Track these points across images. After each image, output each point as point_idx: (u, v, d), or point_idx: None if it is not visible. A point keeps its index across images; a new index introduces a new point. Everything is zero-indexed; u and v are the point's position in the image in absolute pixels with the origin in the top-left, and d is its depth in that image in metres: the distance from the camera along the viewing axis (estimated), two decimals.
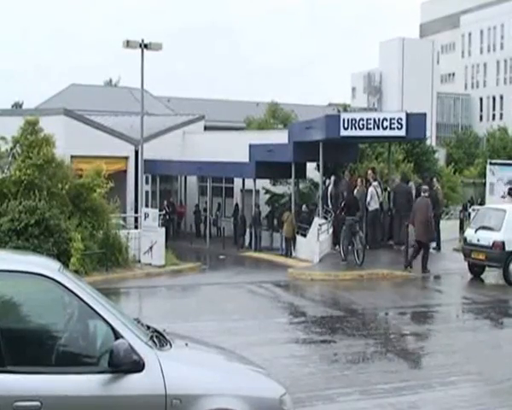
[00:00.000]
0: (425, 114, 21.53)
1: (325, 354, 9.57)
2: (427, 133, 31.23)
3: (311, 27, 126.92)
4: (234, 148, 28.78)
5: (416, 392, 7.81)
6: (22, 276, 4.49)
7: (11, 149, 18.80)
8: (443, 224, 22.35)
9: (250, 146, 26.71)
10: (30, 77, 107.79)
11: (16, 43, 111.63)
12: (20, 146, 18.69)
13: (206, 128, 37.18)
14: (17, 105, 57.78)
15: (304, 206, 25.04)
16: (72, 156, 23.83)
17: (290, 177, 25.30)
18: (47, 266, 4.71)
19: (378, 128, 20.06)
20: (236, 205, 30.08)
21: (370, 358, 9.37)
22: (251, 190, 28.31)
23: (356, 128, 20.19)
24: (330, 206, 22.24)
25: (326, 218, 21.86)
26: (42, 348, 4.47)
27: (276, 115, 43.28)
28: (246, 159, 26.86)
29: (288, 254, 23.58)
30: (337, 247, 20.09)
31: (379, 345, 10.07)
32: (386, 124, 19.98)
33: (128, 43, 23.98)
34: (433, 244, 21.14)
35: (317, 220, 21.39)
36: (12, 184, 17.97)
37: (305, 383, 7.99)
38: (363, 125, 20.16)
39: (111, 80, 71.08)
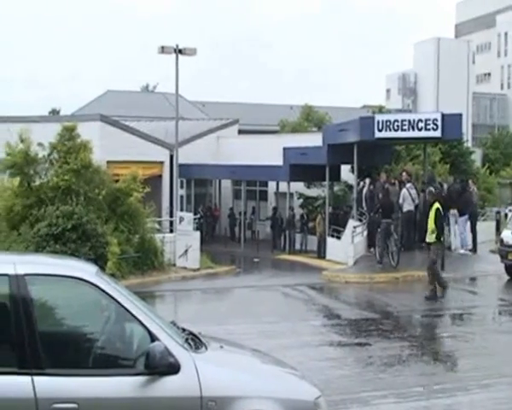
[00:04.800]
0: (461, 115, 21.29)
1: (360, 357, 9.54)
2: (464, 137, 30.85)
3: (344, 29, 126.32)
4: (268, 151, 28.83)
5: (452, 395, 7.73)
6: (60, 280, 4.56)
7: (48, 154, 19.12)
8: (479, 225, 22.06)
9: (284, 149, 26.74)
10: (68, 84, 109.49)
11: (54, 52, 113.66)
12: (58, 152, 19.01)
13: (240, 132, 37.31)
14: (54, 112, 58.71)
15: (345, 207, 25.11)
16: (108, 162, 24.15)
17: (324, 179, 25.24)
18: (85, 269, 4.76)
19: (413, 129, 19.90)
20: (274, 208, 30.13)
21: (406, 360, 9.31)
22: (285, 193, 28.32)
23: (390, 130, 20.06)
24: (365, 208, 22.14)
25: (361, 220, 21.77)
26: (79, 351, 4.54)
27: (310, 118, 43.23)
28: (280, 162, 26.90)
29: (319, 255, 23.87)
30: (372, 249, 19.97)
31: (414, 348, 9.99)
32: (421, 125, 19.82)
33: (163, 49, 24.24)
34: (469, 246, 20.90)
35: (351, 223, 21.32)
36: (49, 190, 18.30)
37: (339, 385, 7.98)
38: (397, 126, 20.02)
39: (148, 86, 71.72)
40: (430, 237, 14.15)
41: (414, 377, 8.42)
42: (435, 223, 14.00)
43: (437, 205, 14.19)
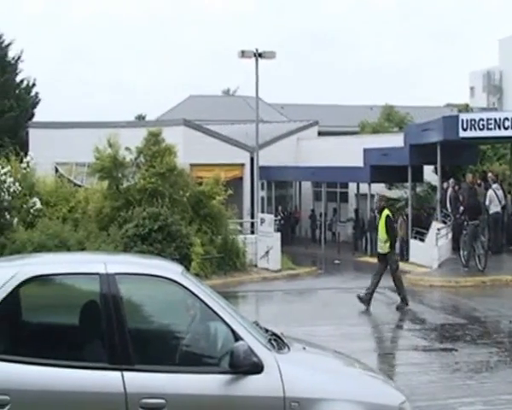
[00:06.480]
0: None
1: (446, 363, 9.31)
2: None
3: (424, 26, 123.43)
4: (348, 152, 28.62)
5: None
6: (148, 279, 4.68)
7: (135, 158, 19.75)
8: None
9: (365, 150, 26.48)
10: (153, 90, 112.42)
11: (142, 59, 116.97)
12: (144, 156, 19.61)
13: (319, 133, 37.20)
14: (140, 117, 60.33)
15: (428, 208, 24.69)
16: (191, 164, 24.66)
17: (406, 180, 24.81)
18: (171, 269, 4.86)
19: (499, 128, 19.29)
20: (356, 210, 29.89)
21: (494, 367, 9.02)
22: (366, 195, 28.03)
23: (475, 129, 19.51)
24: (449, 209, 21.60)
25: (445, 222, 21.25)
26: (167, 348, 4.64)
27: (391, 118, 42.44)
28: (360, 163, 26.65)
29: (401, 258, 23.50)
30: (461, 251, 19.42)
31: (503, 354, 9.66)
32: (507, 124, 19.19)
33: (243, 53, 24.60)
34: None
35: (435, 224, 20.85)
36: (137, 192, 18.89)
37: (424, 391, 7.81)
38: (483, 125, 19.45)
39: (228, 90, 72.58)
40: (383, 248, 13.39)
41: (502, 384, 8.14)
42: (387, 232, 13.22)
43: (387, 212, 13.53)
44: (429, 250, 19.87)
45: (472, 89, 72.54)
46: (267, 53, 24.83)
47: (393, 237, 13.59)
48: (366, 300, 13.45)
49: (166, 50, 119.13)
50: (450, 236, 20.56)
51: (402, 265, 21.81)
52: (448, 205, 21.75)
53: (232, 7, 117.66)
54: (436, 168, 22.77)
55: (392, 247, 13.42)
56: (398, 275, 13.66)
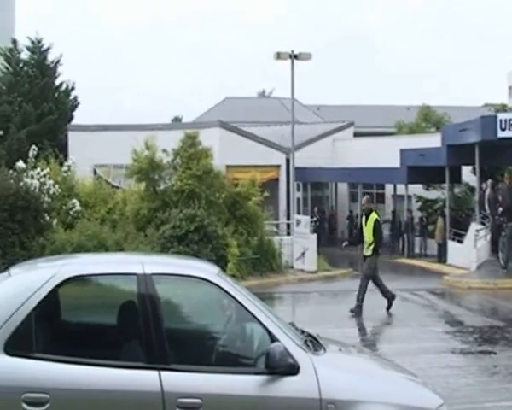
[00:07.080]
0: None
1: (484, 366, 9.18)
2: None
3: (462, 26, 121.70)
4: (384, 153, 28.41)
5: None
6: (185, 279, 4.71)
7: (172, 160, 19.92)
8: None
9: (401, 151, 26.26)
10: (189, 92, 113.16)
11: (176, 62, 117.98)
12: (181, 158, 19.76)
13: (355, 134, 37.01)
14: (177, 119, 60.74)
15: (466, 209, 24.48)
16: (227, 166, 24.76)
17: (444, 181, 24.53)
18: (207, 270, 4.88)
19: None
20: (394, 211, 29.64)
21: None
22: (403, 196, 27.78)
23: None
24: (488, 211, 21.27)
25: (483, 223, 20.94)
26: (203, 348, 4.67)
27: (428, 118, 41.98)
28: (397, 164, 26.42)
29: (439, 259, 23.29)
30: (500, 253, 19.11)
31: None
32: None
33: (279, 55, 24.65)
34: None
35: (473, 226, 20.57)
36: (173, 194, 19.06)
37: (462, 394, 7.71)
38: None
39: (264, 91, 72.66)
40: (367, 250, 13.14)
41: None
42: (374, 235, 12.93)
43: (375, 216, 13.19)
44: (468, 252, 19.62)
45: (510, 88, 71.21)
46: (303, 54, 24.83)
47: (379, 240, 13.40)
48: (390, 298, 13.37)
49: (202, 53, 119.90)
50: (488, 237, 20.26)
51: (440, 266, 21.66)
52: (486, 206, 21.42)
53: (268, 9, 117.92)
54: (475, 169, 22.47)
55: (375, 250, 13.21)
56: (365, 282, 13.36)
